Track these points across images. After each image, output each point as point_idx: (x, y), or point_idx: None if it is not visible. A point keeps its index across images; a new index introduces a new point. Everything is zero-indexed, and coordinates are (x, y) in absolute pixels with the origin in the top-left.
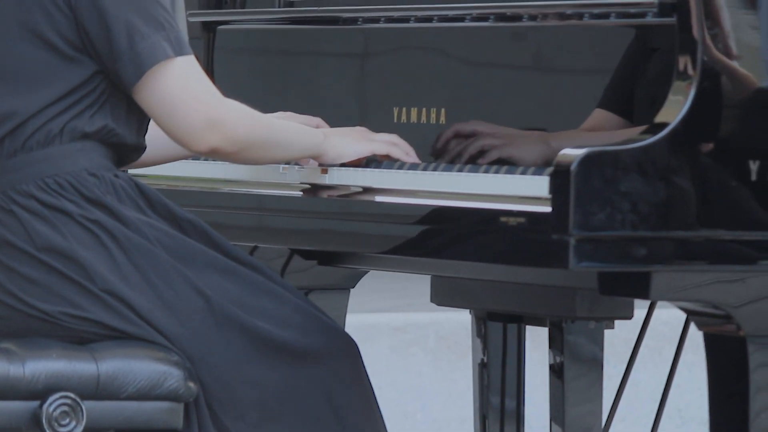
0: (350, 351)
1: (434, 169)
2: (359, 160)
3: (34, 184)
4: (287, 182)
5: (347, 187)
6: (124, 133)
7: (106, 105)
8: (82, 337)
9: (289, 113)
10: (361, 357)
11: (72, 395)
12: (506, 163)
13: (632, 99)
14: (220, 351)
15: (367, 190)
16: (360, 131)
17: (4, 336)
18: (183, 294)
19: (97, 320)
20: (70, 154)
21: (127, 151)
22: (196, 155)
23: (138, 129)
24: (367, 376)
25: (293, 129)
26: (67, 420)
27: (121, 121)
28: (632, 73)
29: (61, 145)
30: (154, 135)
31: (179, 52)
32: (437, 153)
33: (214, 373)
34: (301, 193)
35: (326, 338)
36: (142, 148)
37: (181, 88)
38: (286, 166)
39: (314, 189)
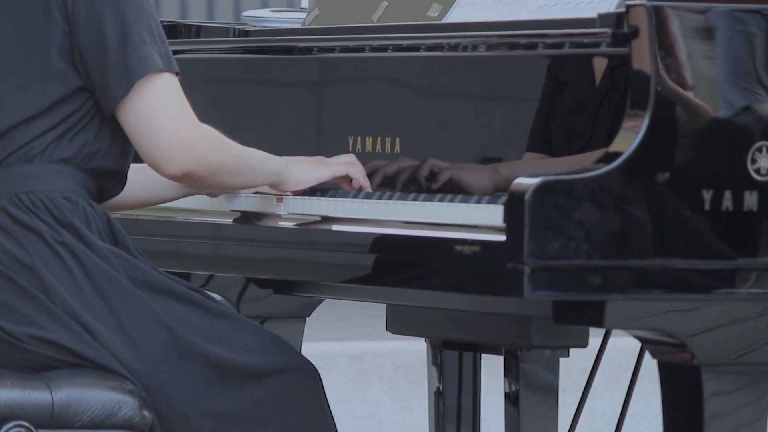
0: (311, 375)
1: (389, 198)
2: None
3: (8, 199)
4: (242, 210)
5: (302, 216)
6: (105, 157)
7: (90, 126)
8: (38, 361)
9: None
10: (321, 382)
11: (26, 424)
12: (456, 188)
13: (551, 134)
14: (179, 382)
15: (322, 219)
16: (318, 159)
17: None
18: (145, 324)
19: (55, 341)
20: (48, 174)
21: (108, 181)
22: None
23: (120, 154)
24: (327, 402)
25: (258, 156)
26: None
27: (104, 144)
28: (548, 108)
29: (41, 164)
30: (133, 178)
31: (168, 67)
32: (388, 181)
33: (170, 403)
34: (257, 222)
35: (286, 362)
36: (123, 177)
37: (161, 106)
38: (244, 194)
39: (270, 218)
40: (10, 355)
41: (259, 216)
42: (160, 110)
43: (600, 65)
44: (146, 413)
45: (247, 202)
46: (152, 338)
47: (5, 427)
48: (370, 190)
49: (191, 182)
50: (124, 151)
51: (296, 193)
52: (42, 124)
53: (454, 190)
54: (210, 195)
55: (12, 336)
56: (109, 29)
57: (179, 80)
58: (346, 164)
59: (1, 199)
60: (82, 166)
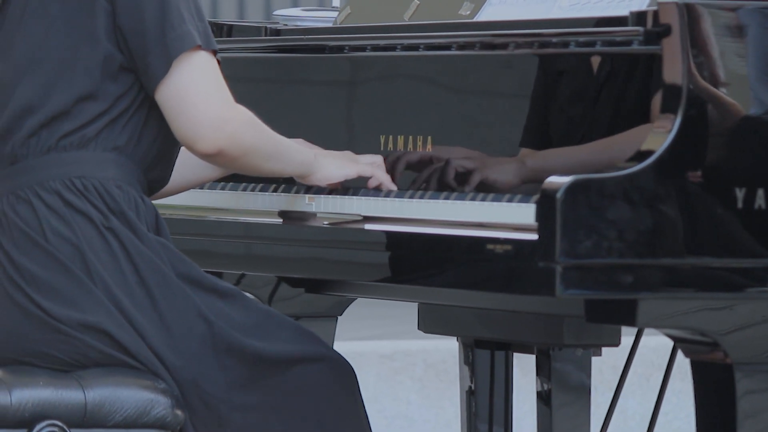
0: (345, 370)
1: (421, 197)
2: (339, 183)
3: (61, 182)
4: (273, 209)
5: (334, 214)
6: (155, 145)
7: (140, 112)
8: (74, 348)
9: (300, 140)
10: (355, 377)
11: (59, 423)
12: (483, 183)
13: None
14: (214, 376)
15: (355, 218)
16: (347, 154)
17: None
18: (185, 317)
19: (95, 325)
20: (102, 162)
21: (157, 171)
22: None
23: (168, 142)
24: (361, 397)
25: (289, 144)
26: None
27: (153, 131)
28: (545, 102)
29: (95, 151)
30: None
31: (207, 44)
32: (412, 170)
33: (203, 396)
34: (289, 221)
35: (321, 355)
36: (170, 167)
37: (196, 83)
38: (275, 193)
39: (302, 217)
40: (46, 339)
41: (290, 215)
42: (195, 87)
43: (632, 63)
44: (178, 412)
45: (279, 201)
46: (190, 331)
47: (38, 427)
48: (394, 189)
49: (223, 162)
50: (172, 138)
51: (327, 189)
52: (94, 107)
53: (481, 185)
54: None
55: (52, 317)
56: (148, 8)
57: (218, 60)
58: (372, 165)
59: (54, 181)
60: (135, 155)
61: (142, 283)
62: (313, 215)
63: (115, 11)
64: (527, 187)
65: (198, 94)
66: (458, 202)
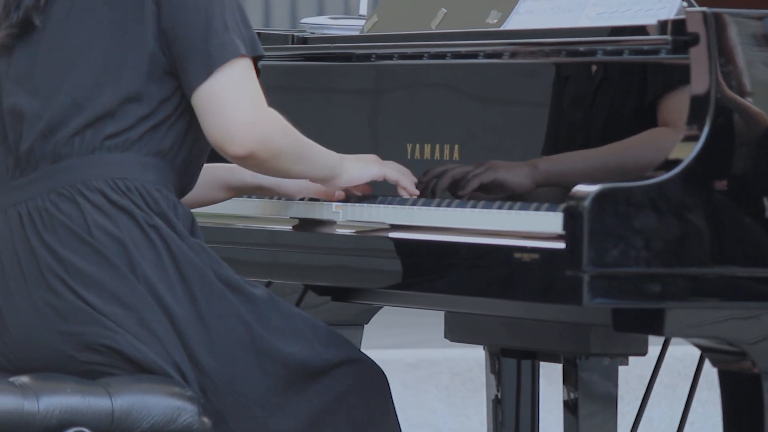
0: (377, 374)
1: (448, 205)
2: (367, 186)
3: (104, 182)
4: (300, 217)
5: (361, 223)
6: (194, 151)
7: (184, 117)
8: (113, 342)
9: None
10: (387, 382)
11: (86, 430)
12: (495, 186)
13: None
14: (252, 379)
15: (381, 226)
16: (371, 156)
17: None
18: (225, 318)
19: (136, 314)
20: (144, 165)
21: (188, 177)
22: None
23: (205, 150)
24: (392, 402)
25: (317, 147)
26: None
27: (195, 137)
28: (571, 110)
29: (138, 155)
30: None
31: (252, 51)
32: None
33: (238, 398)
34: (315, 229)
35: (355, 359)
36: (198, 174)
37: (230, 87)
38: (302, 201)
39: (328, 225)
40: (87, 331)
41: (317, 223)
42: (230, 91)
43: (658, 72)
44: (205, 420)
45: (306, 209)
46: (229, 333)
47: None
48: (416, 195)
49: (252, 164)
50: (203, 146)
51: (354, 197)
52: (139, 110)
53: (495, 189)
54: (261, 195)
55: (95, 309)
56: (193, 14)
57: (257, 67)
58: (398, 172)
59: (98, 180)
60: (174, 162)
61: (184, 281)
62: (339, 223)
63: (161, 14)
64: (554, 195)
65: (232, 97)
66: (485, 210)
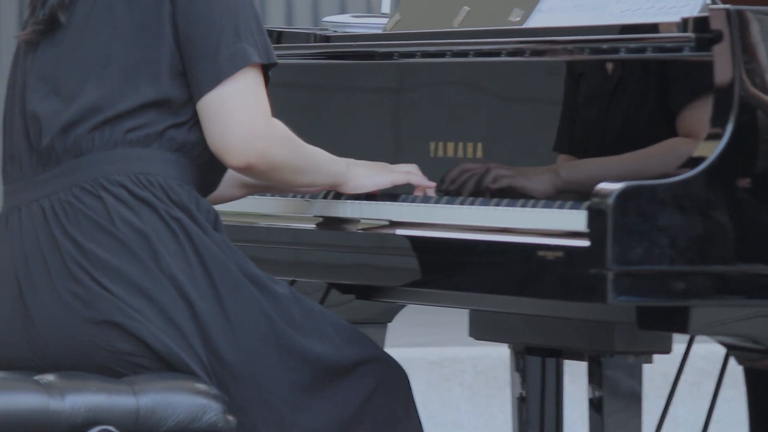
0: (399, 372)
1: (471, 203)
2: (375, 191)
3: (125, 176)
4: (323, 215)
5: (384, 221)
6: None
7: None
8: (136, 334)
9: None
10: (407, 379)
11: (112, 428)
12: (517, 194)
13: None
14: (275, 375)
15: (404, 225)
16: (380, 164)
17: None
18: (248, 313)
19: (159, 306)
20: (165, 161)
21: (213, 174)
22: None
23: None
24: (413, 400)
25: (322, 156)
26: None
27: None
28: (593, 109)
29: (159, 150)
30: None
31: (266, 59)
32: (449, 188)
33: (261, 393)
34: (338, 227)
35: (376, 357)
36: (221, 178)
37: (234, 97)
38: (325, 200)
39: (350, 223)
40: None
41: (339, 221)
42: (233, 101)
43: (681, 73)
44: (230, 418)
45: (328, 208)
46: (253, 327)
47: None
48: (432, 193)
49: (253, 175)
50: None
51: (376, 196)
52: (160, 111)
53: (517, 196)
54: (277, 192)
55: (120, 300)
56: (205, 20)
57: (267, 75)
58: (407, 173)
59: (119, 175)
60: (198, 159)
61: (207, 274)
62: (360, 221)
63: (176, 14)
64: (575, 194)
65: (234, 108)
66: (509, 208)
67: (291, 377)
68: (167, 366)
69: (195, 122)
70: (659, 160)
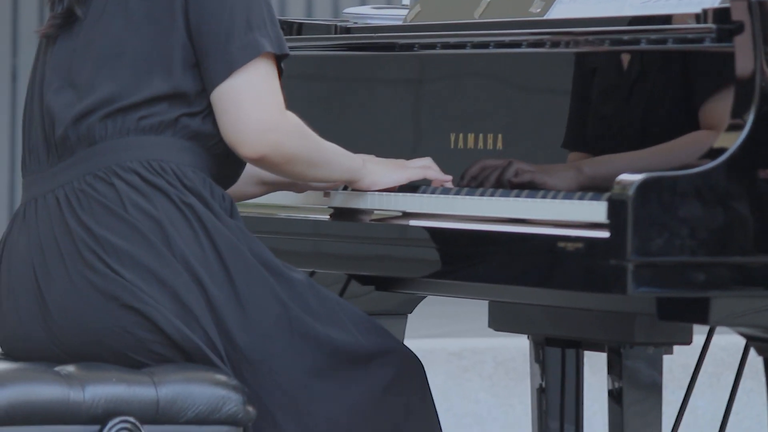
0: (415, 364)
1: (492, 195)
2: (393, 187)
3: (138, 163)
4: (341, 206)
5: (404, 212)
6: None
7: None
8: (150, 321)
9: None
10: (424, 371)
11: (132, 419)
12: (540, 189)
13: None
14: (289, 359)
15: (424, 216)
16: (396, 161)
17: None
18: (261, 298)
19: (172, 291)
20: (179, 148)
21: (230, 167)
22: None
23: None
24: (430, 392)
25: (337, 151)
26: None
27: None
28: (614, 100)
29: (173, 137)
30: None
31: (278, 49)
32: (471, 181)
33: (275, 378)
34: (356, 218)
35: (393, 349)
36: (239, 172)
37: (248, 88)
38: (345, 191)
39: (368, 214)
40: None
41: (359, 212)
42: (247, 92)
43: (702, 65)
44: (250, 409)
45: (348, 199)
46: (265, 312)
47: (111, 423)
48: (449, 180)
49: (267, 167)
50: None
51: (397, 188)
52: (173, 102)
53: (534, 186)
54: (296, 191)
55: (133, 284)
56: (217, 11)
57: (278, 68)
58: (422, 168)
59: (132, 162)
60: (214, 148)
61: (220, 259)
62: (380, 212)
63: (187, 6)
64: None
65: (248, 99)
66: (529, 200)
67: (305, 363)
68: (182, 351)
69: (209, 113)
70: (684, 153)
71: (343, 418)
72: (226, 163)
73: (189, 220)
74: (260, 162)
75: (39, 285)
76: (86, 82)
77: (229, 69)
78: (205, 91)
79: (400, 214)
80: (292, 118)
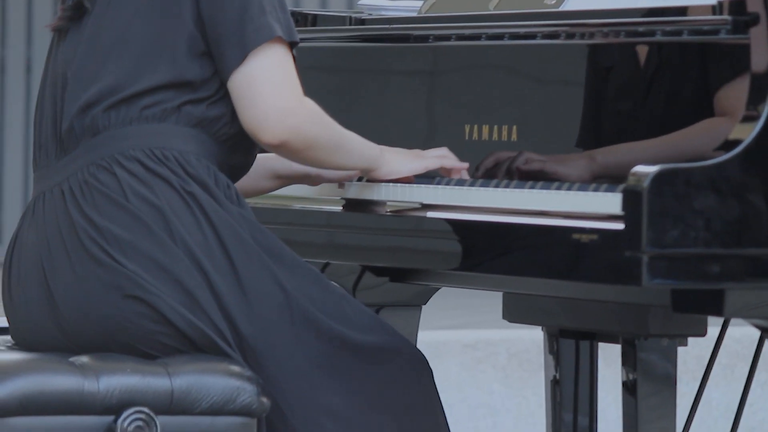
0: (421, 363)
1: (506, 186)
2: (409, 177)
3: (141, 152)
4: (355, 198)
5: (418, 204)
6: (238, 131)
7: (226, 98)
8: (151, 311)
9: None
10: (430, 370)
11: (146, 410)
12: (552, 180)
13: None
14: (291, 346)
15: (438, 207)
16: (414, 151)
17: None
18: (263, 285)
19: (176, 279)
20: (183, 135)
21: (238, 156)
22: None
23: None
24: (436, 391)
25: (356, 139)
26: None
27: (239, 121)
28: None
29: (177, 125)
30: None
31: (288, 36)
32: (485, 173)
33: (280, 368)
34: (370, 209)
35: (398, 348)
36: (251, 158)
37: (266, 74)
38: (360, 182)
39: (383, 206)
40: (128, 300)
41: (373, 204)
42: (264, 78)
43: (716, 56)
44: (264, 400)
45: (362, 191)
46: (267, 299)
47: (125, 413)
48: (466, 175)
49: (287, 154)
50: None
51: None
52: (177, 90)
53: (547, 177)
54: (310, 184)
55: (136, 275)
56: (228, 1)
57: (293, 54)
58: (439, 158)
59: (135, 150)
60: (219, 135)
61: (222, 246)
62: (394, 204)
63: None
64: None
65: (266, 84)
66: (544, 191)
67: (306, 352)
68: (189, 341)
69: (215, 99)
70: (697, 141)
71: (345, 410)
72: (234, 151)
73: (191, 207)
74: (281, 148)
75: (46, 278)
76: (91, 72)
77: (243, 51)
78: (212, 78)
79: (418, 205)
80: (311, 104)
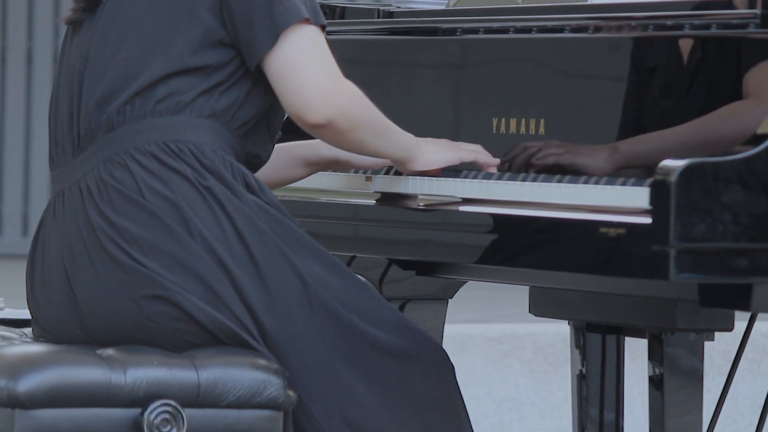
0: (444, 362)
1: (533, 180)
2: (436, 170)
3: (156, 146)
4: (384, 191)
5: (442, 197)
6: (253, 117)
7: (241, 83)
8: (176, 306)
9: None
10: (453, 369)
11: (173, 403)
12: (574, 171)
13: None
14: (312, 338)
15: (463, 201)
16: (447, 141)
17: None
18: (282, 276)
19: (195, 273)
20: (197, 127)
21: (255, 146)
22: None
23: (269, 117)
24: (460, 392)
25: (394, 125)
26: (168, 427)
27: (256, 103)
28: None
29: (191, 117)
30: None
31: (315, 19)
32: (506, 165)
33: (301, 358)
34: (398, 203)
35: (421, 345)
36: (269, 146)
37: (304, 55)
38: (387, 176)
39: (410, 199)
40: (149, 297)
41: (400, 197)
42: (304, 59)
43: (743, 48)
44: (291, 393)
45: (389, 184)
46: (288, 290)
47: (152, 406)
48: (497, 163)
49: (331, 134)
50: (272, 115)
51: (427, 174)
52: (189, 78)
53: (575, 172)
54: (338, 170)
55: (156, 273)
56: None
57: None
58: (473, 152)
59: (150, 144)
60: (232, 125)
61: (241, 238)
62: (421, 197)
63: None
64: (637, 170)
65: (308, 65)
66: (571, 185)
67: (327, 343)
68: (213, 336)
69: (229, 85)
70: (719, 126)
71: (369, 403)
72: (247, 139)
73: (208, 201)
74: (326, 128)
75: (69, 279)
76: (104, 64)
77: (275, 33)
78: (227, 64)
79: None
80: (352, 85)
